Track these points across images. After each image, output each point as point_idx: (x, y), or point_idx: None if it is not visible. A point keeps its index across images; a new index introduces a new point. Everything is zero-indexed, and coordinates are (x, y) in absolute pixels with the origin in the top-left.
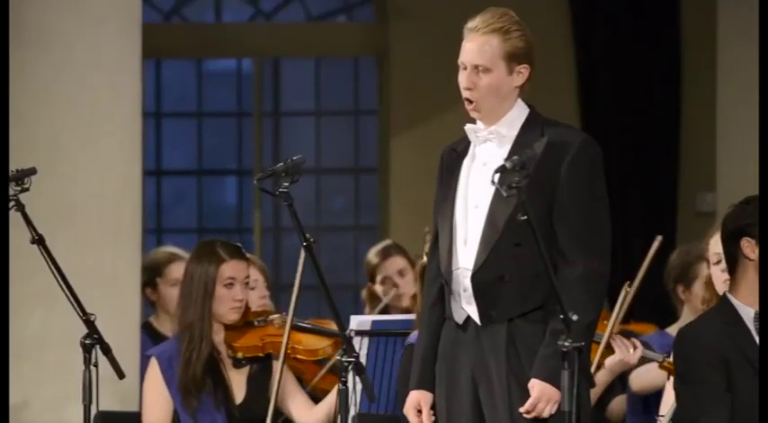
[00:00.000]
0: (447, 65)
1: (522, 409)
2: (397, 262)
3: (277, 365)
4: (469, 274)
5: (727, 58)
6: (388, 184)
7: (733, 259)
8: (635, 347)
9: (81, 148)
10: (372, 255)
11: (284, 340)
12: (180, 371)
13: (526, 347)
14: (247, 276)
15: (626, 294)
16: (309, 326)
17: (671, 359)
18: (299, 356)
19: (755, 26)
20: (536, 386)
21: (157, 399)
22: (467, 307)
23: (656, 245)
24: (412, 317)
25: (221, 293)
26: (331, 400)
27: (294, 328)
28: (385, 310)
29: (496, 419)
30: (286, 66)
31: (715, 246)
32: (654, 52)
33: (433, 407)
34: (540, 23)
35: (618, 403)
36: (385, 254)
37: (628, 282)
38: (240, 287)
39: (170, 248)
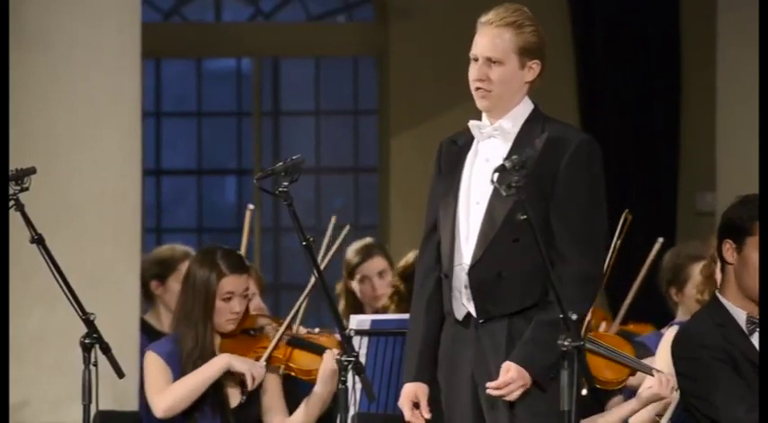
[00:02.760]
0: (447, 64)
1: (490, 385)
2: (378, 263)
3: (271, 375)
4: (468, 268)
5: (727, 58)
6: (388, 183)
7: (721, 260)
8: (677, 389)
9: (81, 147)
10: (353, 252)
11: (268, 350)
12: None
13: None
14: (246, 289)
15: (625, 221)
16: (306, 342)
17: None
18: (293, 375)
19: (755, 26)
20: (511, 368)
21: (161, 371)
22: (467, 304)
23: (657, 247)
24: None
25: (219, 306)
26: (301, 413)
27: (290, 342)
28: (359, 309)
29: (496, 419)
30: (286, 65)
31: None
32: (654, 52)
33: (430, 401)
34: (540, 23)
35: (616, 403)
36: (366, 253)
37: (627, 210)
38: (238, 300)
39: (184, 247)
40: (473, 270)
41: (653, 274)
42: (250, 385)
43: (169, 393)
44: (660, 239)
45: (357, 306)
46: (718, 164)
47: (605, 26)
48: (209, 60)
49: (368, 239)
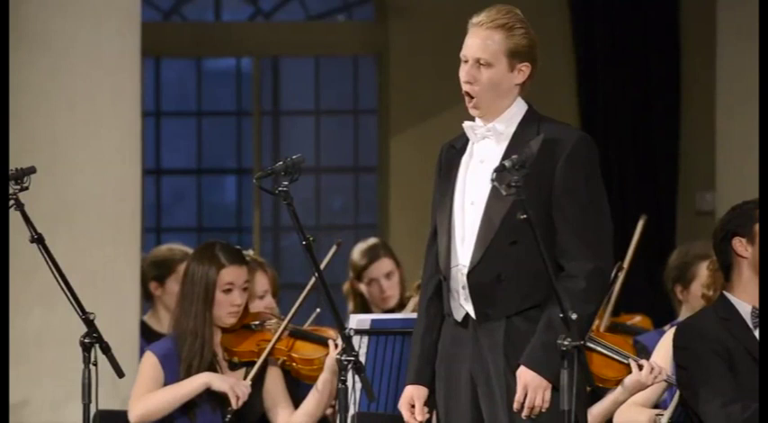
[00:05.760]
0: (447, 64)
1: (516, 399)
2: (385, 264)
3: (273, 370)
4: (467, 271)
5: (727, 58)
6: (388, 183)
7: (727, 262)
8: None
9: (81, 147)
10: (359, 254)
11: (270, 344)
12: (182, 376)
13: (524, 346)
14: (246, 281)
15: (616, 277)
16: (308, 333)
17: None
18: (294, 365)
19: (755, 26)
20: (522, 374)
21: (151, 376)
22: (465, 304)
23: (641, 223)
24: (412, 316)
25: (220, 298)
26: (306, 408)
27: (292, 334)
28: (368, 311)
29: (495, 418)
30: (285, 65)
31: None
32: (654, 52)
33: (428, 403)
34: (540, 23)
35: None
36: (372, 255)
37: (619, 263)
38: (239, 292)
39: (183, 247)
40: (472, 273)
41: (639, 255)
42: (234, 404)
43: (143, 402)
44: (644, 216)
45: (366, 307)
46: (718, 164)
47: (605, 26)
48: (209, 60)
49: (372, 240)
